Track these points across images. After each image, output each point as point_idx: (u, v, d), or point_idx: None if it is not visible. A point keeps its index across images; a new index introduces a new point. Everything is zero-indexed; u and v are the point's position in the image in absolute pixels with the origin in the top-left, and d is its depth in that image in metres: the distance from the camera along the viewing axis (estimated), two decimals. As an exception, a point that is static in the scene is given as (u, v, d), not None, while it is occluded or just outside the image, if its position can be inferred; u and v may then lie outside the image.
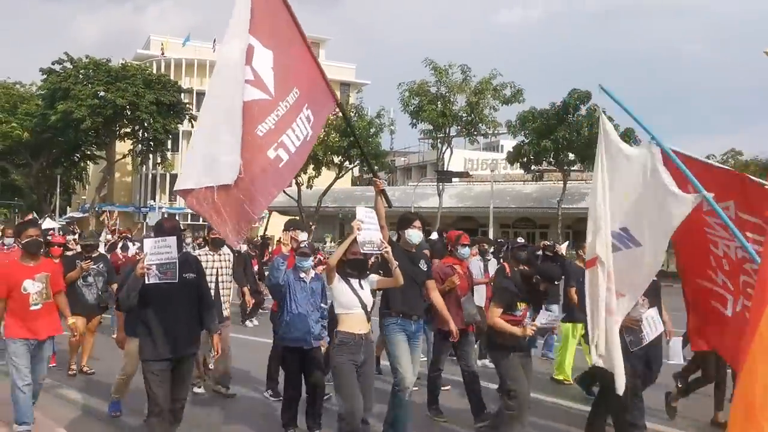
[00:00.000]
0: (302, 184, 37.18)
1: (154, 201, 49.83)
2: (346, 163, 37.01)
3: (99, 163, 50.51)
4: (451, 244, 7.02)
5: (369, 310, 5.15)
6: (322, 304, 6.25)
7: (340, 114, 33.97)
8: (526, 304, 5.52)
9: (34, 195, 49.75)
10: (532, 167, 36.26)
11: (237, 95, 4.21)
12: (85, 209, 41.55)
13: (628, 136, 31.87)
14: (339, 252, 5.01)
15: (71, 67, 41.72)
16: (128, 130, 44.30)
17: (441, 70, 33.35)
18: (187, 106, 45.77)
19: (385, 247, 4.99)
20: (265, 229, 42.21)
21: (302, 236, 7.04)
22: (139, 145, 45.01)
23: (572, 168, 35.55)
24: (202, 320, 5.06)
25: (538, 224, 40.19)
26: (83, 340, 8.15)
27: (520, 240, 6.06)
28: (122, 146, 46.44)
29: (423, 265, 6.02)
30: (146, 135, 43.69)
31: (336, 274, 5.04)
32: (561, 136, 31.66)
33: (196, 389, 7.30)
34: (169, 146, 47.30)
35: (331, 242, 40.11)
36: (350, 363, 5.00)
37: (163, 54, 51.45)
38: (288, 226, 7.87)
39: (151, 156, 46.82)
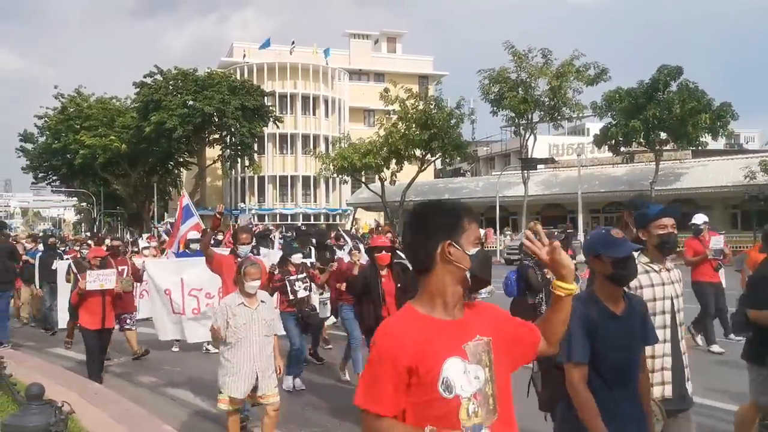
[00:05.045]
0: (385, 180, 37.37)
1: (244, 203, 51.49)
2: (428, 156, 36.90)
3: (191, 170, 52.68)
4: None
5: None
6: None
7: (420, 107, 34.17)
8: None
9: (134, 203, 52.52)
10: (621, 149, 34.93)
11: None
12: (180, 214, 43.36)
13: (725, 111, 30.20)
14: None
15: (161, 79, 43.74)
16: (216, 136, 46.06)
17: (520, 55, 32.65)
18: (270, 108, 46.99)
19: None
20: (351, 225, 42.81)
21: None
22: (228, 150, 46.60)
23: (665, 148, 33.97)
24: None
25: (631, 208, 38.75)
26: None
27: None
28: (212, 152, 48.22)
29: None
30: (233, 140, 45.18)
31: None
32: (651, 114, 30.30)
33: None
34: (256, 149, 48.64)
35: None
36: None
37: (245, 58, 53.01)
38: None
39: (239, 160, 48.38)
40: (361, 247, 9.47)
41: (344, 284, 7.62)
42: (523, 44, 36.15)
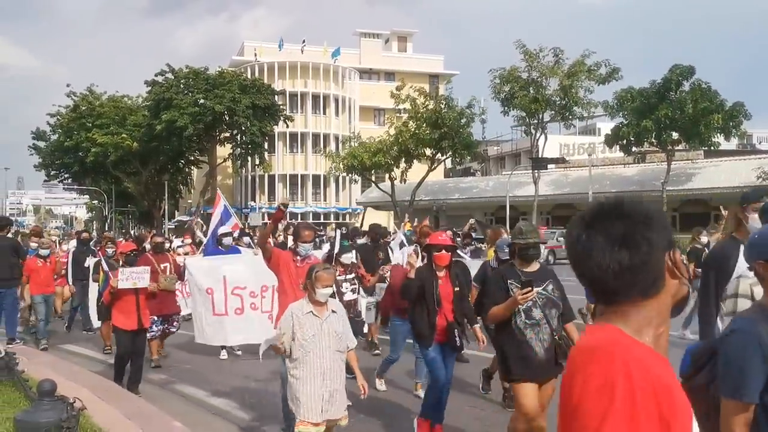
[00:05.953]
0: (395, 179, 37.36)
1: (254, 201, 51.63)
2: (438, 155, 36.87)
3: (202, 168, 52.88)
4: None
5: None
6: None
7: (431, 107, 34.13)
8: None
9: (145, 201, 52.80)
10: (633, 149, 34.74)
11: None
12: (191, 212, 43.61)
13: (737, 111, 29.98)
14: None
15: (173, 77, 43.88)
16: (227, 134, 46.18)
17: (532, 55, 32.56)
18: (281, 107, 47.10)
19: None
20: (361, 224, 42.82)
21: None
22: (238, 149, 46.74)
23: (676, 148, 33.78)
24: None
25: (642, 208, 38.61)
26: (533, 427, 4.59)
27: None
28: (222, 150, 48.33)
29: None
30: (244, 138, 45.27)
31: None
32: (663, 114, 30.17)
33: None
34: (266, 148, 48.73)
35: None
36: None
37: (256, 57, 53.15)
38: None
39: (249, 158, 48.51)
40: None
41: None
42: (534, 44, 36.09)
